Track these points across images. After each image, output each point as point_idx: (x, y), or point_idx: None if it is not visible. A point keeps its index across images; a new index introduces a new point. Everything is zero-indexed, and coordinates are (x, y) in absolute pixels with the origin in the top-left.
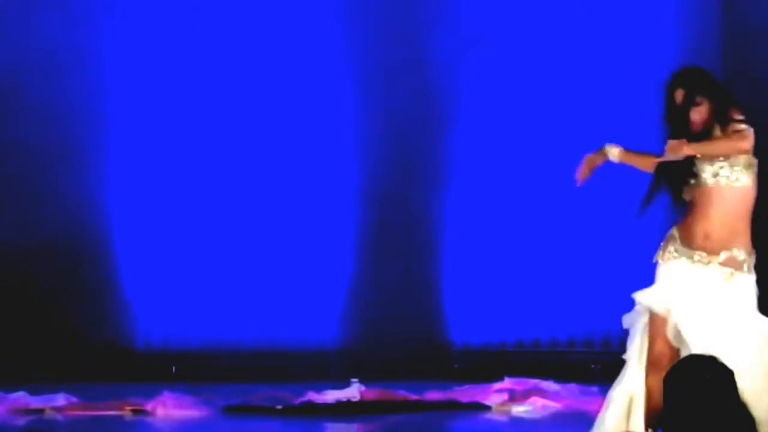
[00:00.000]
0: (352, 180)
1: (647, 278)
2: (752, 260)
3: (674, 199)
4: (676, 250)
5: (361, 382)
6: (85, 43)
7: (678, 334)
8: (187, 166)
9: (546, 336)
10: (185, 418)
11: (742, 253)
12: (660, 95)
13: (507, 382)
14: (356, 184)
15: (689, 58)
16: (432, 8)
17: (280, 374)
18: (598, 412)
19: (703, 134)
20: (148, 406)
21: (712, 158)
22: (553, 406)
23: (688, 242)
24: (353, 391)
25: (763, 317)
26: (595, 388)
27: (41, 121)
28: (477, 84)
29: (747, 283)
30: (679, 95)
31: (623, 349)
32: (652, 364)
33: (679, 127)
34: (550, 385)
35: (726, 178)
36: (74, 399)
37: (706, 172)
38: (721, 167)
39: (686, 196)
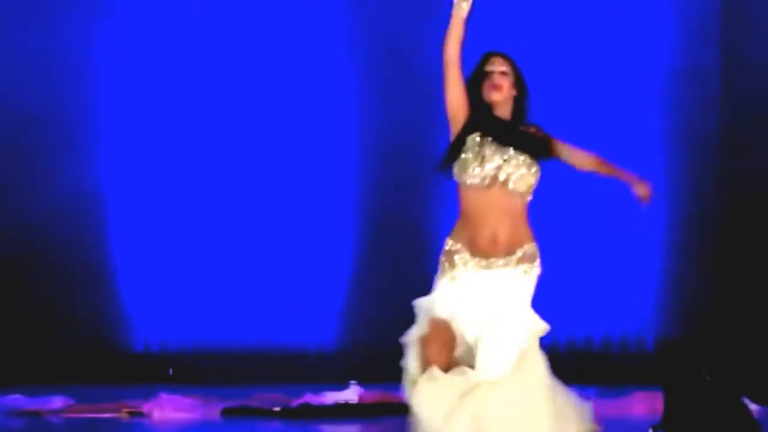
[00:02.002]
0: (350, 182)
1: (647, 279)
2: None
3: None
4: (466, 261)
5: (359, 384)
6: (84, 43)
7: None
8: (186, 168)
9: (546, 338)
10: (182, 421)
11: (534, 245)
12: (659, 91)
13: None
14: (355, 187)
15: (688, 51)
16: (432, 9)
17: (277, 376)
18: (597, 414)
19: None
20: (145, 408)
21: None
22: None
23: (476, 250)
24: (351, 394)
25: (534, 313)
26: (593, 391)
27: (39, 121)
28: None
29: (535, 278)
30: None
31: (623, 351)
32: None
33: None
34: None
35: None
36: (71, 401)
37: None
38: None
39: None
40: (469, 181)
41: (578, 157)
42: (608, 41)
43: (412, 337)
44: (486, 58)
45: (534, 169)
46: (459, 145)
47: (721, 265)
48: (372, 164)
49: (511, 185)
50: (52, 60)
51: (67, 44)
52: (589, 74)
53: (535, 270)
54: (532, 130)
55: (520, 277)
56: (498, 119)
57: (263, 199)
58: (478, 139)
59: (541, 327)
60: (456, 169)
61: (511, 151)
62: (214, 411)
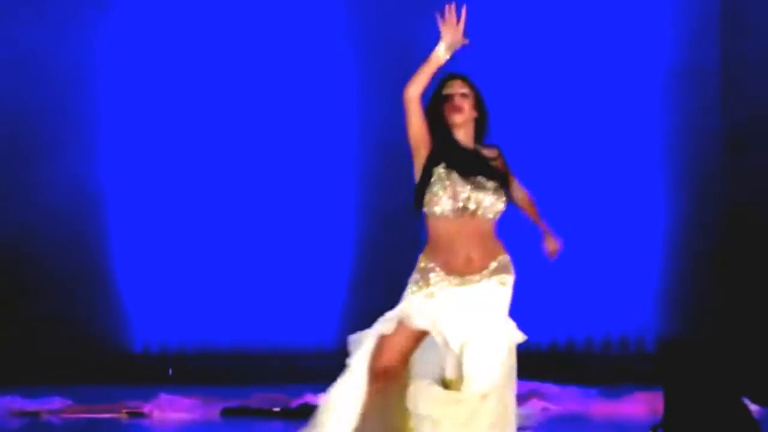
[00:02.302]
0: (350, 182)
1: (647, 278)
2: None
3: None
4: (441, 279)
5: None
6: (84, 42)
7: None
8: (185, 169)
9: (546, 338)
10: (182, 421)
11: (506, 255)
12: (659, 90)
13: None
14: (355, 187)
15: (688, 50)
16: (432, 12)
17: (277, 376)
18: (597, 414)
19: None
20: (145, 409)
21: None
22: (553, 408)
23: (451, 269)
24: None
25: (512, 323)
26: (594, 391)
27: (39, 121)
28: (477, 85)
29: (510, 288)
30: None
31: (623, 352)
32: (381, 373)
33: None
34: (549, 388)
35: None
36: (70, 401)
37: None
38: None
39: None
40: (439, 213)
41: (518, 194)
42: (608, 40)
43: (371, 334)
44: (445, 81)
45: (502, 195)
46: (426, 178)
47: (721, 265)
48: (372, 164)
49: (480, 212)
50: (50, 59)
51: (66, 43)
52: (588, 74)
53: (510, 279)
54: (495, 152)
55: (497, 288)
56: (461, 149)
57: (263, 199)
58: (443, 171)
59: (519, 337)
60: (426, 202)
61: (479, 178)
62: (213, 411)
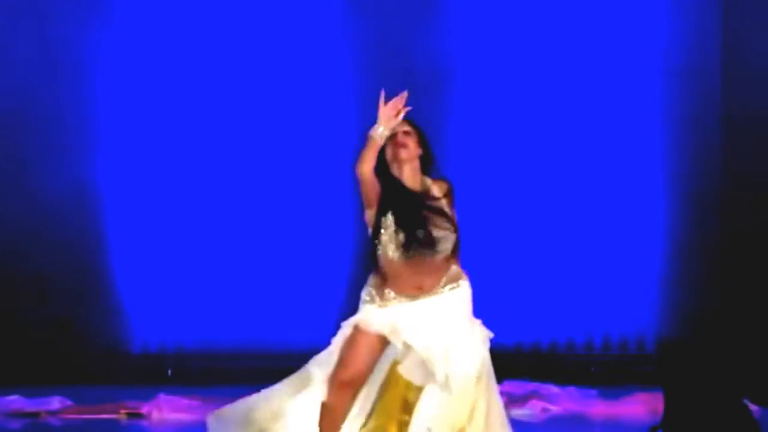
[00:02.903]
0: (350, 182)
1: (647, 279)
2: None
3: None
4: (395, 297)
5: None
6: (82, 41)
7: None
8: (184, 168)
9: (546, 339)
10: (181, 422)
11: (455, 267)
12: (659, 90)
13: (506, 386)
14: (355, 188)
15: (688, 49)
16: (432, 12)
17: (276, 377)
18: (597, 415)
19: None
20: (144, 410)
21: None
22: (553, 409)
23: (406, 293)
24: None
25: (478, 321)
26: (594, 391)
27: (37, 121)
28: (477, 85)
29: (467, 289)
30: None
31: (623, 352)
32: (345, 384)
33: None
34: (549, 389)
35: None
36: (69, 402)
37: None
38: None
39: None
40: (390, 258)
41: None
42: (608, 39)
43: (332, 349)
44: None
45: (453, 228)
46: (377, 229)
47: (721, 266)
48: None
49: (429, 252)
50: (49, 60)
51: (64, 43)
52: (587, 73)
53: (463, 282)
54: (444, 187)
55: (450, 294)
56: (407, 193)
57: (262, 200)
58: (391, 218)
59: (487, 334)
60: (380, 250)
61: (428, 219)
62: (213, 412)
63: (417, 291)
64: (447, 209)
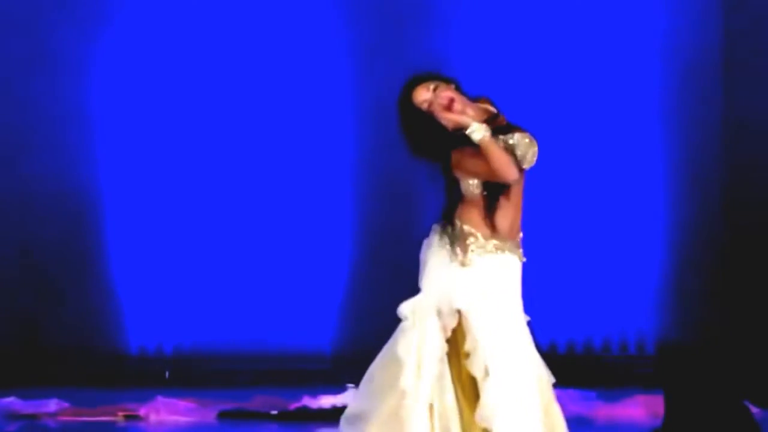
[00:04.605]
0: (349, 184)
1: (648, 281)
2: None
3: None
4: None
5: (357, 388)
6: (80, 40)
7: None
8: (182, 170)
9: (545, 340)
10: (179, 424)
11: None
12: (660, 90)
13: None
14: (354, 188)
15: (687, 53)
16: (432, 11)
17: (275, 379)
18: (597, 417)
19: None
20: (141, 412)
21: None
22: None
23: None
24: (349, 397)
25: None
26: (594, 393)
27: (35, 121)
28: (477, 85)
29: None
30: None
31: (624, 354)
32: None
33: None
34: None
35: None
36: (66, 404)
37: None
38: None
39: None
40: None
41: None
42: (607, 37)
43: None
44: (410, 96)
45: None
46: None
47: (722, 268)
48: (372, 167)
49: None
50: (48, 60)
51: (63, 43)
52: (586, 72)
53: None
54: (484, 101)
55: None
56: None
57: (260, 202)
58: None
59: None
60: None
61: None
62: (210, 414)
63: (513, 232)
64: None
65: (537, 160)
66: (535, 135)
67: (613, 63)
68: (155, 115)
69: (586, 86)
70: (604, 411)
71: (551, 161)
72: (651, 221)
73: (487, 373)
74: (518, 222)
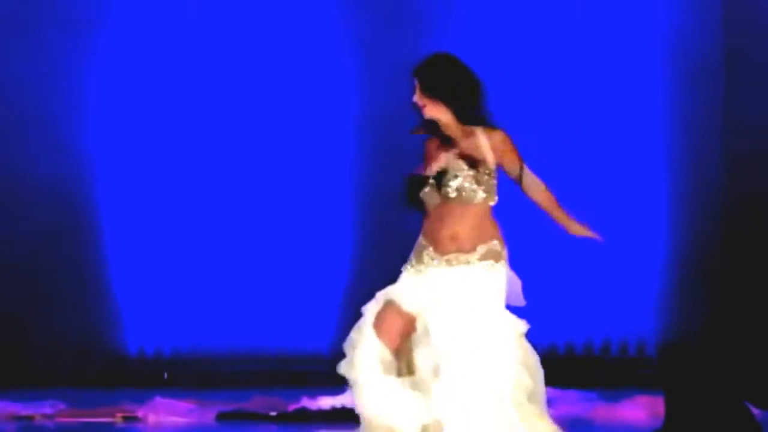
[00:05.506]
0: (349, 185)
1: (648, 282)
2: (505, 252)
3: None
4: (431, 258)
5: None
6: (80, 41)
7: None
8: (181, 171)
9: (545, 341)
10: (177, 425)
11: (497, 244)
12: (661, 89)
13: None
14: (353, 190)
15: (689, 55)
16: (430, 10)
17: (274, 380)
18: (598, 418)
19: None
20: (140, 413)
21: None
22: (553, 412)
23: (440, 248)
24: (348, 398)
25: (507, 311)
26: (594, 394)
27: (33, 122)
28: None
29: (503, 274)
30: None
31: (624, 355)
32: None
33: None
34: (549, 391)
35: (471, 194)
36: (64, 405)
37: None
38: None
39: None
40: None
41: (528, 182)
42: (607, 35)
43: (367, 317)
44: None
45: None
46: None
47: (723, 269)
48: (371, 168)
49: (464, 196)
50: (47, 59)
51: (62, 42)
52: (585, 71)
53: (498, 266)
54: (497, 136)
55: (485, 273)
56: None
57: (259, 203)
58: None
59: (520, 325)
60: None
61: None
62: (209, 415)
63: (449, 242)
64: (476, 153)
65: (537, 161)
66: (534, 136)
67: (615, 65)
68: (154, 114)
69: (588, 88)
70: (604, 412)
71: (551, 162)
72: (651, 223)
73: (436, 374)
74: (456, 231)
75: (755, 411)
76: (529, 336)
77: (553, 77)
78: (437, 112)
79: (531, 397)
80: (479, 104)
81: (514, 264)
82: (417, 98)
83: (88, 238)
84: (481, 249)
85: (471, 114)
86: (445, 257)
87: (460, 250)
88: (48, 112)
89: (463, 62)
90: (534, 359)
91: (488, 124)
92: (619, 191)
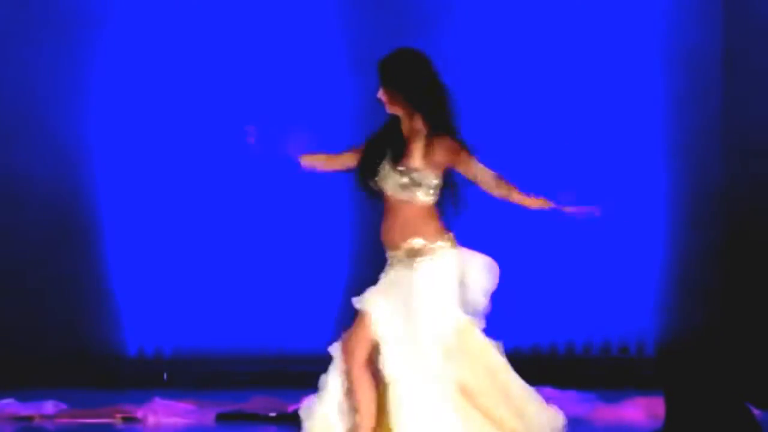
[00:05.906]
0: (347, 187)
1: (648, 282)
2: (445, 242)
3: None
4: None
5: None
6: (79, 41)
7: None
8: (180, 171)
9: (545, 342)
10: (177, 426)
11: (421, 240)
12: (661, 89)
13: None
14: (352, 192)
15: (688, 55)
16: (430, 10)
17: (274, 381)
18: (597, 419)
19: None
20: (139, 414)
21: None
22: None
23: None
24: None
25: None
26: (594, 395)
27: (32, 123)
28: (476, 85)
29: (437, 267)
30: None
31: (623, 355)
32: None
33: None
34: (548, 392)
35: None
36: (64, 406)
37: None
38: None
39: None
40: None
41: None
42: (607, 33)
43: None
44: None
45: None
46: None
47: (723, 269)
48: None
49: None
50: (45, 60)
51: (60, 42)
52: (588, 72)
53: (423, 261)
54: (444, 140)
55: (413, 271)
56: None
57: (259, 204)
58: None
59: (462, 320)
60: None
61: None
62: (209, 416)
63: (390, 242)
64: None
65: (537, 161)
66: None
67: (614, 64)
68: (154, 114)
69: (587, 88)
70: (604, 413)
71: (551, 162)
72: (651, 223)
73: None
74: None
75: (756, 411)
76: (530, 336)
77: (553, 77)
78: (396, 110)
79: (485, 397)
80: (440, 107)
81: (513, 265)
82: (380, 93)
83: (88, 239)
84: (406, 246)
85: (432, 117)
86: (388, 254)
87: (391, 248)
88: (48, 112)
89: (424, 60)
90: (492, 359)
91: (443, 129)
92: (619, 191)
